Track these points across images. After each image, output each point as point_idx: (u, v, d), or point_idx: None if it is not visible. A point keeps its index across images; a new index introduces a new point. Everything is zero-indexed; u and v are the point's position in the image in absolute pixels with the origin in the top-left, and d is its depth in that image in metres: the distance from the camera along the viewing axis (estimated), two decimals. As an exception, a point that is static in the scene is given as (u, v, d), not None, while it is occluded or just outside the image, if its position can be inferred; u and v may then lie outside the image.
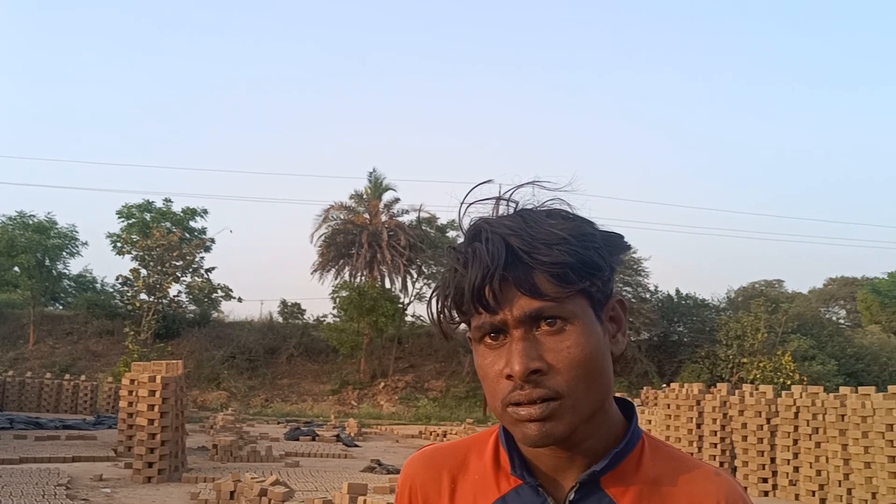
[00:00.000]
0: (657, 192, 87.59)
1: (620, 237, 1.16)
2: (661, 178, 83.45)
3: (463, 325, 1.15)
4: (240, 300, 40.80)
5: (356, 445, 21.55)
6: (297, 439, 21.98)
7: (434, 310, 1.13)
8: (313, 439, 22.14)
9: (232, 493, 11.22)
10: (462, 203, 1.16)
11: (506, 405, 1.08)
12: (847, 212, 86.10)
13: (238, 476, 11.47)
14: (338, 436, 22.43)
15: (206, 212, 41.19)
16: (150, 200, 40.43)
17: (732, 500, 1.13)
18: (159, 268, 36.10)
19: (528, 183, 1.15)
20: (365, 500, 8.66)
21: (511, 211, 1.14)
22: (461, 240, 1.14)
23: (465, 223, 1.14)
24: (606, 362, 1.11)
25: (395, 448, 22.05)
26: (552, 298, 1.06)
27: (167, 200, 40.46)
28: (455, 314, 1.11)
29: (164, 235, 36.11)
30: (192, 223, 40.78)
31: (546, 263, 1.05)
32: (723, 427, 16.20)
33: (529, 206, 1.14)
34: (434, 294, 1.13)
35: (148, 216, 39.60)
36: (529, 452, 1.17)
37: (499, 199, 1.15)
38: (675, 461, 1.18)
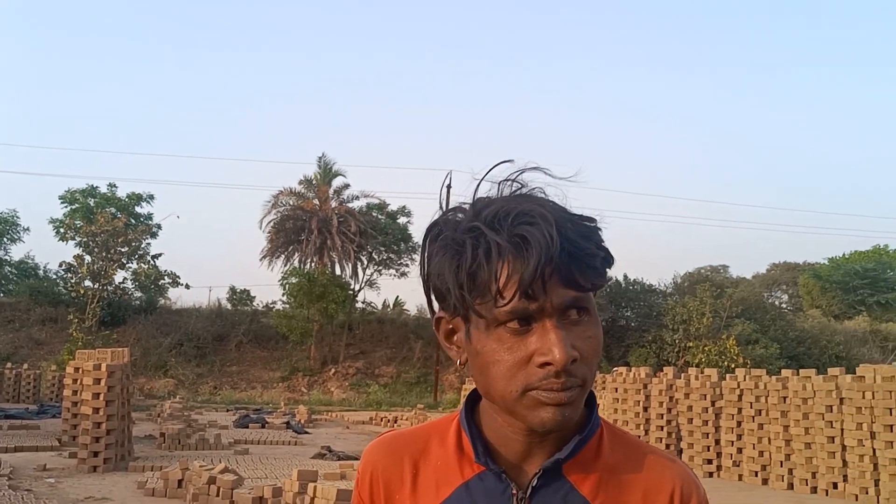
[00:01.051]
0: (605, 178, 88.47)
1: None
2: (607, 165, 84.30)
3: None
4: (187, 287, 40.26)
5: (306, 432, 21.45)
6: (247, 427, 21.79)
7: (458, 287, 1.08)
8: (263, 426, 21.97)
9: (180, 481, 11.11)
10: (481, 180, 1.15)
11: (528, 390, 1.07)
12: (790, 199, 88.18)
13: (186, 464, 11.35)
14: (288, 423, 22.30)
15: (152, 197, 40.35)
16: (95, 185, 39.52)
17: (687, 486, 1.18)
18: (104, 254, 35.39)
19: (532, 168, 1.15)
20: (315, 487, 8.63)
21: (503, 193, 1.13)
22: (461, 222, 1.11)
23: (475, 201, 1.13)
24: None
25: (345, 434, 22.02)
26: (586, 289, 1.08)
27: (112, 185, 39.51)
28: (500, 295, 1.05)
29: (109, 221, 35.32)
30: (137, 209, 39.89)
31: (588, 255, 1.06)
32: (669, 410, 16.48)
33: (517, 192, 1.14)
34: (455, 270, 1.08)
35: (92, 201, 38.60)
36: (495, 440, 1.18)
37: (503, 181, 1.14)
38: (633, 448, 1.21)
